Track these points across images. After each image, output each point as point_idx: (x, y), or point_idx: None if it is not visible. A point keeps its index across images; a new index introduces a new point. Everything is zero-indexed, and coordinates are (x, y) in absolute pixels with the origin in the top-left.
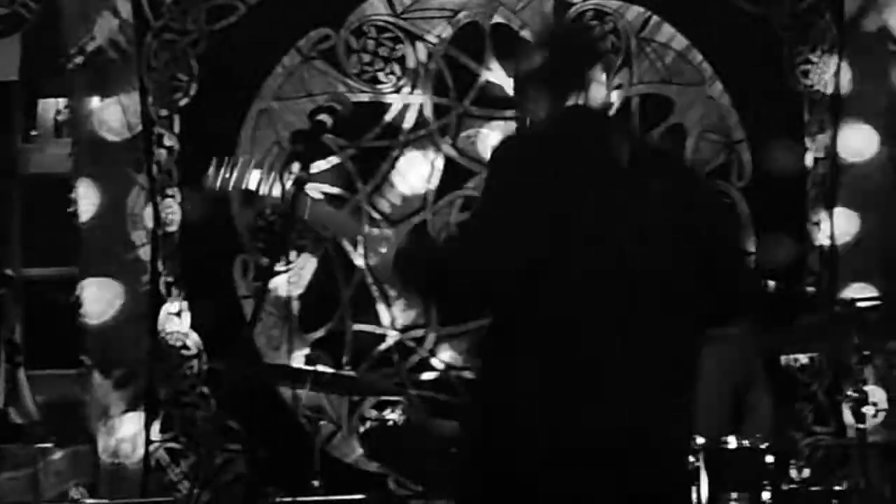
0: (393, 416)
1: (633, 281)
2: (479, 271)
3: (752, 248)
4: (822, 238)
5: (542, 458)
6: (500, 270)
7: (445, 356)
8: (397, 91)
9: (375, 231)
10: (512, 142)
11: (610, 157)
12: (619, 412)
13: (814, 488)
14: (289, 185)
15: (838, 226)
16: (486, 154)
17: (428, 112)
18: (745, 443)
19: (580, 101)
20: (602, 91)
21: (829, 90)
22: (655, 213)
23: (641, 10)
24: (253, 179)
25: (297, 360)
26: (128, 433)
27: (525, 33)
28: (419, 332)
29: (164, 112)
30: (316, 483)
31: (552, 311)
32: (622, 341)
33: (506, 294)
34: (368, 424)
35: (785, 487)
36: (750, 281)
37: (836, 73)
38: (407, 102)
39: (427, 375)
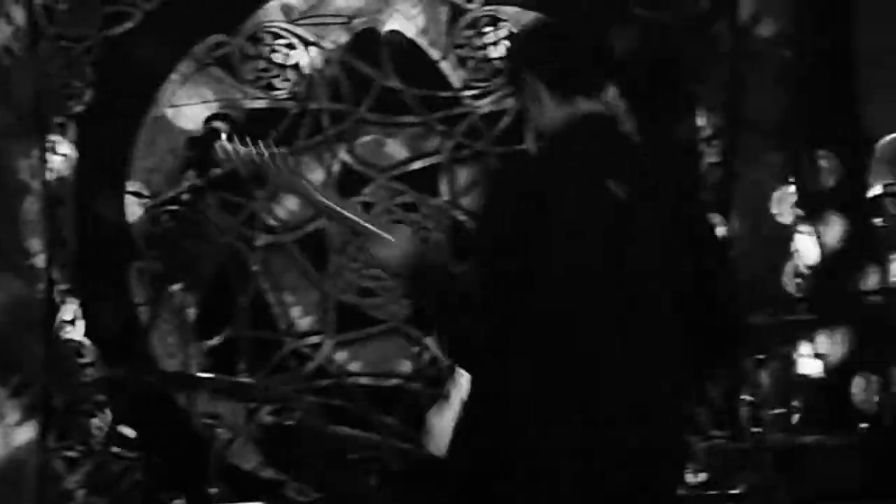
0: (289, 422)
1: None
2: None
3: None
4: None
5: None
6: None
7: (342, 361)
8: (293, 98)
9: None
10: (511, 170)
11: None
12: (615, 412)
13: (711, 492)
14: (185, 191)
15: (733, 230)
16: (383, 160)
17: (324, 118)
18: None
19: (592, 109)
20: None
21: (723, 97)
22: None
23: (537, 14)
24: None
25: (194, 367)
26: (21, 440)
27: (421, 40)
28: (316, 339)
29: (58, 119)
30: (213, 490)
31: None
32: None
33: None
34: (265, 430)
35: (682, 491)
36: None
37: (731, 80)
38: (303, 109)
39: (324, 382)
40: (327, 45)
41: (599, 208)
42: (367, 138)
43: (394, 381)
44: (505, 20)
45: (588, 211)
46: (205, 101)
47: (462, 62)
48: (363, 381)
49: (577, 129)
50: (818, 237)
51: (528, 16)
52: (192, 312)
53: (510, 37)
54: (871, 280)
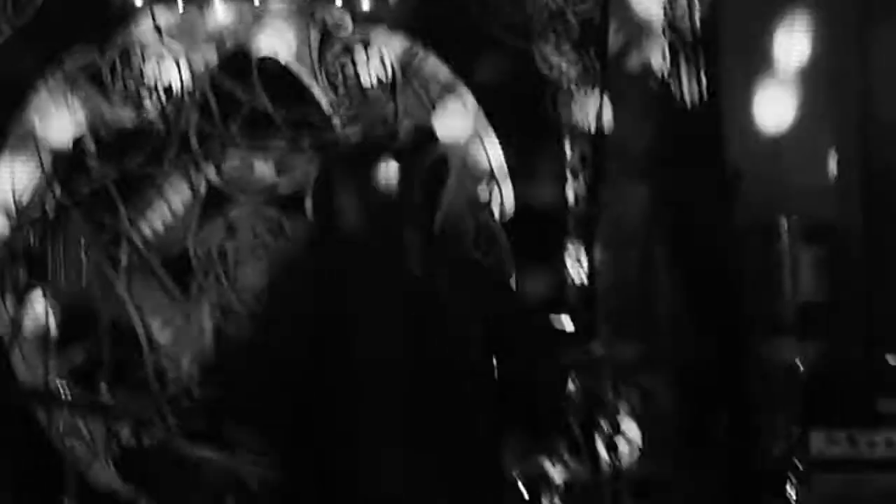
0: (147, 440)
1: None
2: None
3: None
4: (579, 272)
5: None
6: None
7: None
8: (162, 116)
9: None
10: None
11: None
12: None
13: None
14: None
15: (597, 260)
16: (249, 181)
17: (192, 138)
18: None
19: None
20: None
21: (591, 126)
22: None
23: (407, 40)
24: None
25: (54, 383)
26: None
27: (292, 61)
28: (178, 359)
29: None
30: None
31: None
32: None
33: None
34: (123, 448)
35: None
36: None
37: (598, 110)
38: (171, 127)
39: (185, 402)
40: (198, 64)
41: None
42: (234, 162)
43: None
44: (376, 44)
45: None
46: (72, 117)
47: (332, 85)
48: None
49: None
50: None
51: (399, 41)
52: (53, 327)
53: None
54: None
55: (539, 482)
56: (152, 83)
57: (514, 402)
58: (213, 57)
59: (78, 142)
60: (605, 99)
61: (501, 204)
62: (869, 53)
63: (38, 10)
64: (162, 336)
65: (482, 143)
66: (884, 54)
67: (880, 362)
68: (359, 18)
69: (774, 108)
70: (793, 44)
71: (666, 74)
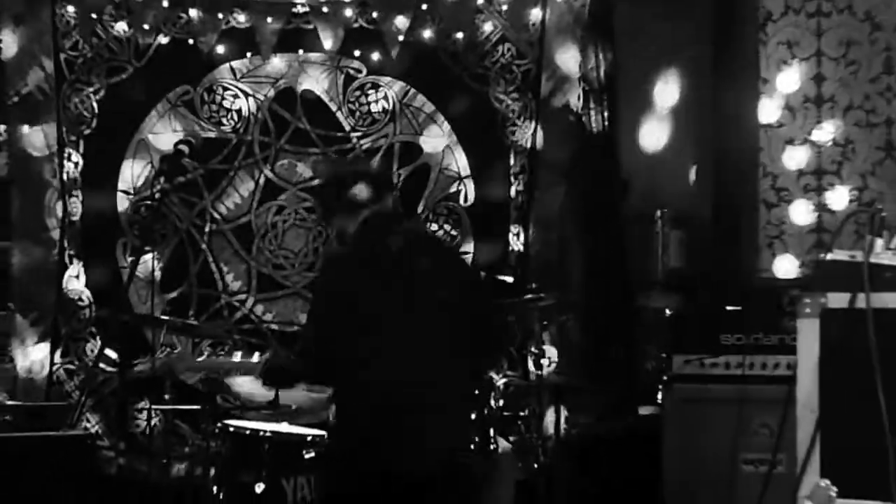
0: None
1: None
2: (319, 361)
3: (471, 250)
4: (518, 244)
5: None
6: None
7: (259, 312)
8: (235, 131)
9: None
10: (331, 258)
11: (397, 256)
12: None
13: (506, 413)
14: (157, 191)
15: (530, 236)
16: (294, 177)
17: (255, 147)
18: None
19: (368, 209)
20: (366, 192)
21: (528, 145)
22: (427, 291)
23: (403, 84)
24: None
25: (157, 311)
26: (38, 357)
27: (324, 96)
28: (243, 296)
29: (73, 137)
30: (166, 396)
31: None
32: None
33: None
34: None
35: (487, 412)
36: (492, 335)
37: (534, 134)
38: (241, 140)
39: (245, 326)
40: (259, 96)
41: (391, 271)
42: (283, 161)
43: (294, 328)
44: (382, 85)
45: (382, 275)
46: (173, 131)
47: (352, 112)
48: (273, 326)
49: (363, 230)
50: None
51: (398, 84)
52: (158, 274)
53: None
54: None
55: (487, 386)
56: (228, 109)
57: (477, 335)
58: (270, 92)
59: (177, 147)
60: (538, 127)
61: (466, 196)
62: (718, 100)
63: (151, 56)
64: (231, 280)
65: (454, 154)
66: (728, 101)
67: (721, 309)
68: (371, 68)
69: (653, 135)
70: (667, 92)
71: (580, 111)
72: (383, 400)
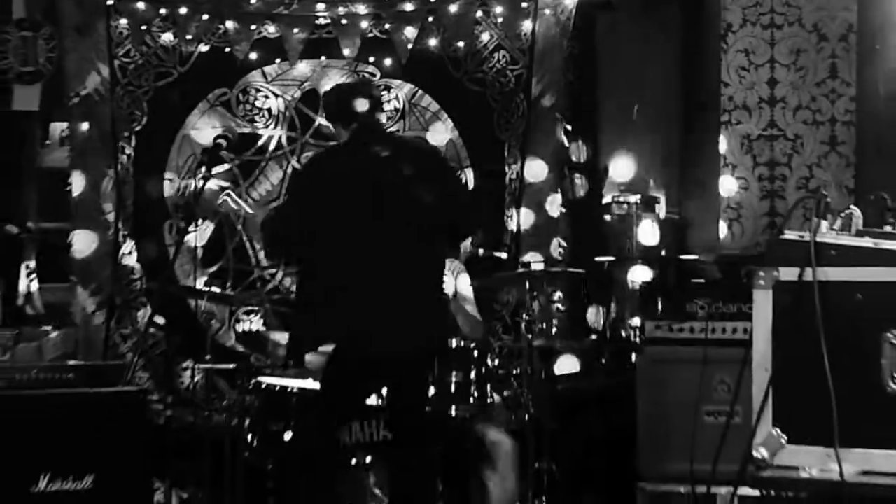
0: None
1: (394, 228)
2: (285, 237)
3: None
4: (512, 225)
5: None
6: (296, 235)
7: (287, 284)
8: (266, 127)
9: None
10: (314, 155)
11: (378, 155)
12: (389, 311)
13: (500, 371)
14: (199, 179)
15: (522, 219)
16: None
17: (284, 141)
18: (462, 343)
19: (361, 120)
20: (365, 105)
21: (520, 139)
22: (410, 185)
23: (412, 86)
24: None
25: (199, 283)
26: (97, 322)
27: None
28: (273, 270)
29: (125, 133)
30: (207, 357)
31: (340, 258)
32: (385, 266)
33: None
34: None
35: (483, 370)
36: (471, 219)
37: (525, 129)
38: (271, 135)
39: (276, 296)
40: (287, 97)
41: (370, 174)
42: (308, 153)
43: None
44: (394, 87)
45: (361, 177)
46: (213, 127)
47: None
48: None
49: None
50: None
51: (408, 86)
52: (199, 251)
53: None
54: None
55: (484, 348)
56: (260, 108)
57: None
58: (296, 93)
59: (216, 141)
60: (529, 123)
61: (466, 183)
62: (685, 98)
63: (193, 62)
64: (263, 257)
65: (456, 147)
66: (693, 99)
67: (687, 281)
68: (384, 72)
69: (629, 128)
70: (642, 91)
71: (565, 111)
72: (359, 290)
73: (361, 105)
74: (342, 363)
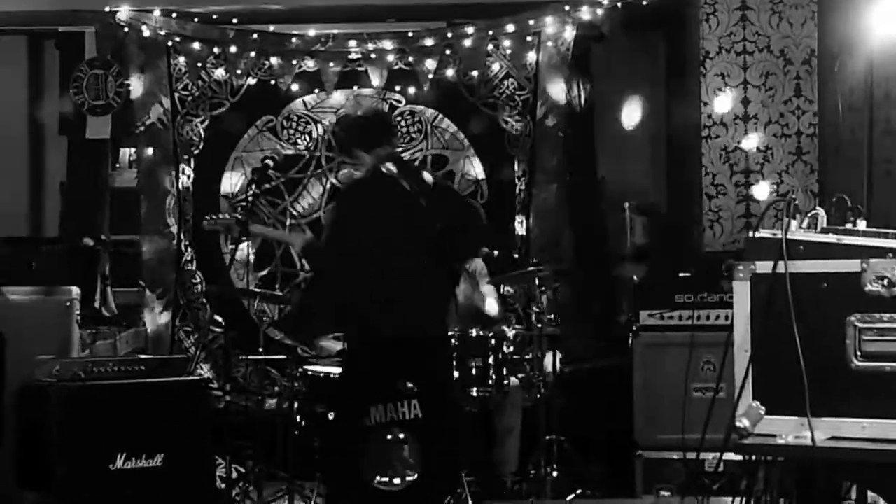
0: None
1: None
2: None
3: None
4: (522, 230)
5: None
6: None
7: None
8: (307, 149)
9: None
10: (350, 184)
11: (405, 189)
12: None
13: (515, 357)
14: (250, 195)
15: (531, 223)
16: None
17: (323, 161)
18: (481, 332)
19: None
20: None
21: (528, 155)
22: (427, 216)
23: (433, 111)
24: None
25: (251, 285)
26: (163, 321)
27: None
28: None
29: (185, 157)
30: (260, 349)
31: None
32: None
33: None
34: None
35: (500, 356)
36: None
37: (532, 147)
38: (312, 155)
39: None
40: (325, 122)
41: (396, 201)
42: (344, 171)
43: None
44: (417, 112)
45: (388, 202)
46: (261, 150)
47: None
48: None
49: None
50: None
51: (429, 111)
52: (252, 257)
53: (339, 127)
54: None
55: (500, 337)
56: (302, 132)
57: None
58: (332, 119)
59: (264, 162)
60: (535, 141)
61: (482, 194)
62: (670, 119)
63: (242, 94)
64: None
65: (472, 163)
66: (677, 119)
67: (675, 275)
68: (408, 99)
69: (622, 146)
70: (631, 113)
71: (566, 129)
72: (377, 292)
73: (383, 132)
74: (354, 350)
